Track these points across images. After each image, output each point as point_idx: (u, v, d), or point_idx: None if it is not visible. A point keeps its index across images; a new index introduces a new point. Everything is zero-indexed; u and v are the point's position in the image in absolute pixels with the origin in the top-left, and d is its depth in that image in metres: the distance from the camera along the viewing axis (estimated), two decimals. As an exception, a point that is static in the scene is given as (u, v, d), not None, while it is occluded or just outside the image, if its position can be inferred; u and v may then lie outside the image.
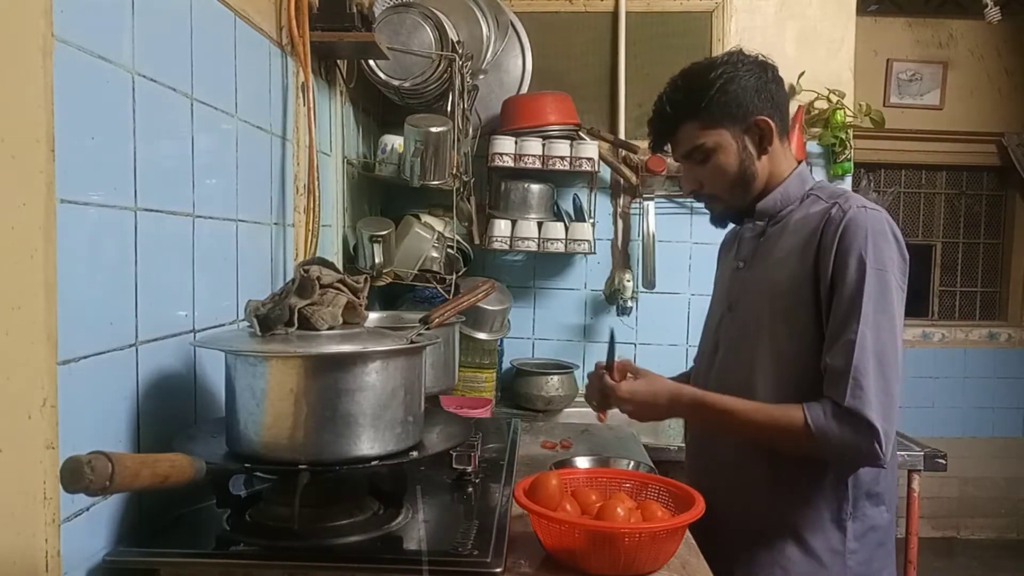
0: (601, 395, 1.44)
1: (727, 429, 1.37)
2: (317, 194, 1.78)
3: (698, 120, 1.37)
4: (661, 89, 1.43)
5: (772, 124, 1.37)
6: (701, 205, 1.51)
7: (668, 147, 1.46)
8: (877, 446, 1.21)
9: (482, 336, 2.57)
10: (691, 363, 1.63)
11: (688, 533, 1.21)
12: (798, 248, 1.34)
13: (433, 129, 2.19)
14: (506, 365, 2.82)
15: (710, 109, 1.35)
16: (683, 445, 1.77)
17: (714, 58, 1.41)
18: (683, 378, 1.65)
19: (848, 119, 2.79)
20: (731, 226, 1.57)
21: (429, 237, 2.45)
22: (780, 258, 1.37)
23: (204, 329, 1.33)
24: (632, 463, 1.59)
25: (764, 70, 1.39)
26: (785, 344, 1.34)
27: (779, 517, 1.35)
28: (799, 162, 1.44)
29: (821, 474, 1.32)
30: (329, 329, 1.14)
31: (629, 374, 1.45)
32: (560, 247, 2.67)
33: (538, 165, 2.62)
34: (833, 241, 1.28)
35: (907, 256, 1.31)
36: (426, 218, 2.57)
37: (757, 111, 1.36)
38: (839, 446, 1.24)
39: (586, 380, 1.52)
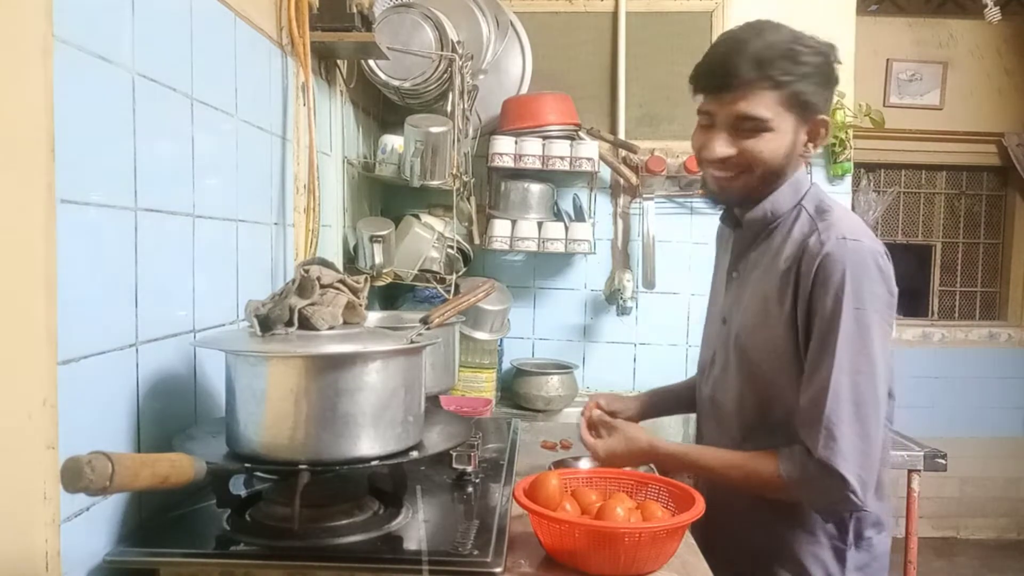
0: (592, 450, 1.43)
1: (706, 481, 1.36)
2: (317, 194, 1.78)
3: (776, 94, 1.21)
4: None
5: (825, 130, 1.28)
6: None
7: (713, 97, 1.26)
8: (852, 495, 1.16)
9: (482, 336, 2.57)
10: (691, 363, 1.63)
11: (688, 533, 1.21)
12: (777, 275, 1.26)
13: (433, 129, 2.19)
14: (506, 365, 2.82)
15: (792, 91, 1.21)
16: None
17: (800, 34, 1.25)
18: (670, 394, 1.65)
19: (848, 119, 2.79)
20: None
21: (429, 237, 2.45)
22: (762, 280, 1.30)
23: (204, 329, 1.33)
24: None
25: (835, 69, 1.28)
26: (765, 373, 1.29)
27: (779, 547, 1.32)
28: (797, 168, 1.33)
29: None
30: (329, 329, 1.14)
31: (604, 430, 1.45)
32: (560, 247, 2.67)
33: (538, 165, 2.62)
34: (809, 277, 1.20)
35: (894, 289, 1.22)
36: (426, 218, 2.57)
37: (822, 111, 1.27)
38: (810, 497, 1.23)
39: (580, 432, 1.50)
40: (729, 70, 1.23)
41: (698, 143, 1.31)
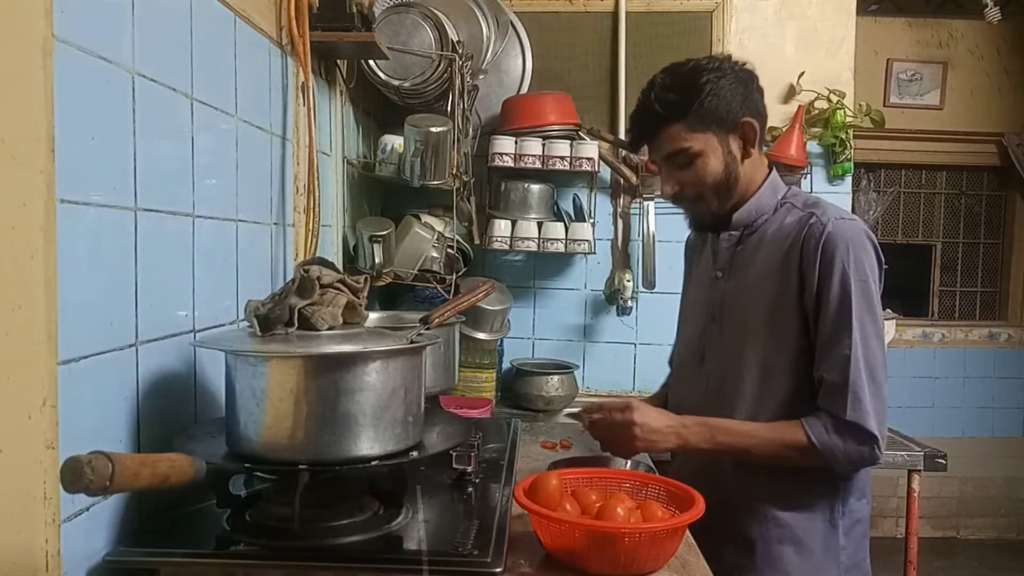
0: (617, 430, 1.40)
1: (732, 452, 1.37)
2: (317, 194, 1.78)
3: (686, 123, 1.36)
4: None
5: (756, 127, 1.38)
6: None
7: (645, 148, 1.44)
8: (877, 451, 1.28)
9: (482, 336, 2.57)
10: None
11: (688, 533, 1.21)
12: (779, 260, 1.36)
13: (433, 129, 2.19)
14: (506, 365, 2.81)
15: (699, 113, 1.35)
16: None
17: (700, 60, 1.39)
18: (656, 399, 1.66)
19: (848, 119, 2.79)
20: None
21: (429, 237, 2.45)
22: (762, 271, 1.39)
23: (204, 329, 1.33)
24: (631, 463, 1.59)
25: (750, 79, 1.40)
26: (772, 355, 1.36)
27: (777, 526, 1.38)
28: (769, 171, 1.45)
29: (814, 481, 1.37)
30: (329, 329, 1.14)
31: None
32: (560, 247, 2.67)
33: (538, 165, 2.62)
34: (815, 254, 1.31)
35: (883, 259, 1.36)
36: (426, 218, 2.57)
37: (743, 114, 1.37)
38: (843, 457, 1.29)
39: (586, 428, 1.48)
40: (638, 124, 1.42)
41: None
